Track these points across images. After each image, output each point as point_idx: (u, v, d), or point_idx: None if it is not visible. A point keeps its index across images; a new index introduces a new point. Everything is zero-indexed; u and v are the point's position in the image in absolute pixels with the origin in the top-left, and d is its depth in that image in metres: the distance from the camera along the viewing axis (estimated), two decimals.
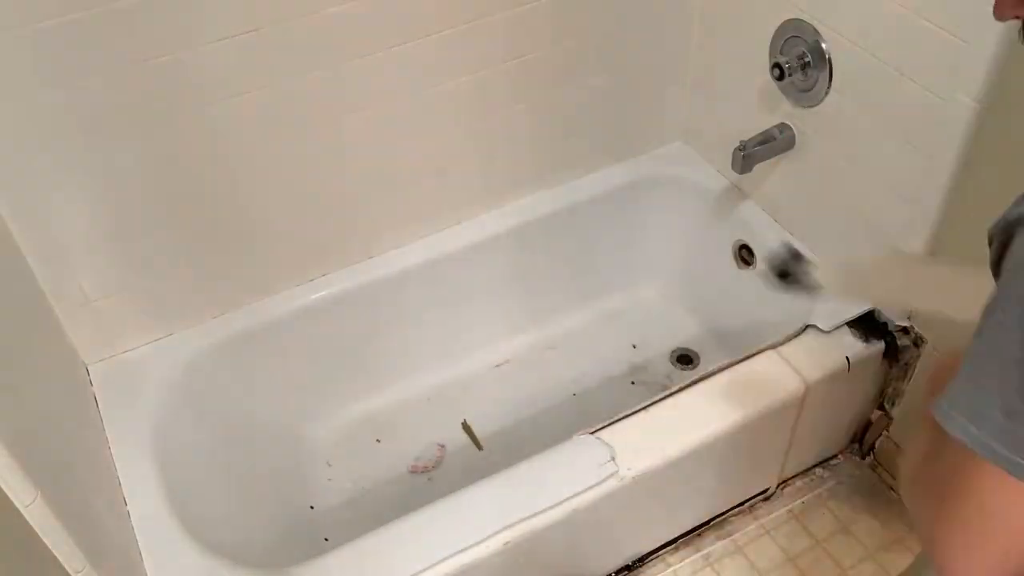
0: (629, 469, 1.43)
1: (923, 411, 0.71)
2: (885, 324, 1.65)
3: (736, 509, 1.78)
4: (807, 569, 1.71)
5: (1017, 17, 0.74)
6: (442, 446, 1.90)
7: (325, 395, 1.91)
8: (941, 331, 1.57)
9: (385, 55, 1.53)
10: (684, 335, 2.07)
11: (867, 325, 1.65)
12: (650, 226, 2.04)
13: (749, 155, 1.67)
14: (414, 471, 1.87)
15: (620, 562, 1.68)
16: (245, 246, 1.65)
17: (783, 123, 1.70)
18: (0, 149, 1.32)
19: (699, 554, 1.73)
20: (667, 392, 1.54)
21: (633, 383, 1.98)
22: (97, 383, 1.60)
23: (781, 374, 1.57)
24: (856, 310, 1.66)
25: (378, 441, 1.92)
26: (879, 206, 1.56)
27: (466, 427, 1.92)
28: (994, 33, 1.23)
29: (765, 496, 1.80)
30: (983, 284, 0.71)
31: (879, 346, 1.63)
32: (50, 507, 0.97)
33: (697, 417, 1.51)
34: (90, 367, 1.63)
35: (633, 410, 1.51)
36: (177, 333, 1.68)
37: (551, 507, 1.38)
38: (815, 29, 1.53)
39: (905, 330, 1.63)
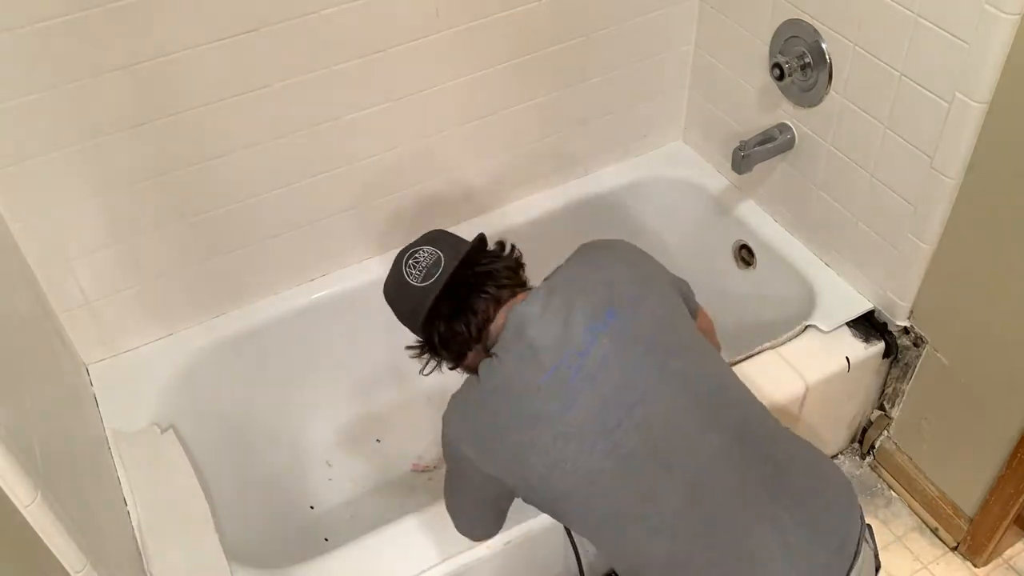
0: None
1: None
2: (885, 324, 1.65)
3: None
4: None
5: None
6: None
7: (325, 395, 1.91)
8: (941, 331, 1.57)
9: (384, 55, 1.53)
10: None
11: (867, 325, 1.65)
12: (650, 226, 2.04)
13: (749, 155, 1.67)
14: (415, 470, 1.87)
15: None
16: (245, 246, 1.65)
17: (783, 123, 1.70)
18: (0, 150, 1.32)
19: None
20: None
21: None
22: (97, 383, 1.60)
23: (781, 374, 1.57)
24: (856, 310, 1.66)
25: (378, 441, 1.92)
26: (879, 206, 1.56)
27: None
28: (995, 33, 1.23)
29: None
30: None
31: (879, 346, 1.63)
32: (50, 507, 0.97)
33: None
34: (90, 367, 1.63)
35: None
36: (177, 333, 1.68)
37: None
38: (815, 29, 1.53)
39: (905, 330, 1.63)
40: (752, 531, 1.10)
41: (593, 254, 1.26)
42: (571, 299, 1.15)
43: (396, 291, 1.24)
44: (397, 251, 1.21)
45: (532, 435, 1.11)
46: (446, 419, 1.19)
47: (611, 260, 1.24)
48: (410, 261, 1.22)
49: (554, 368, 1.11)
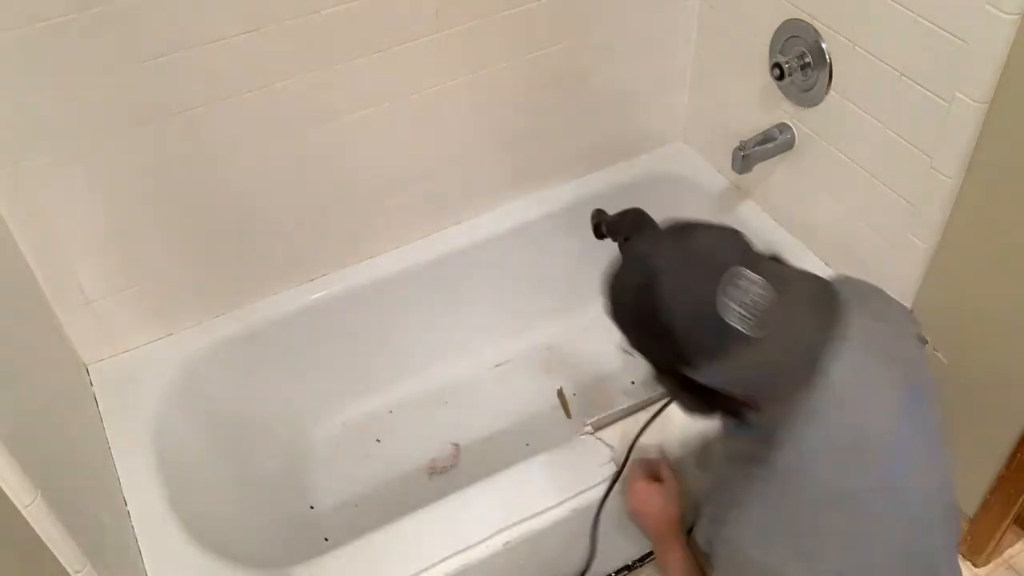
0: None
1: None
2: None
3: None
4: None
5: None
6: (456, 445, 1.89)
7: (325, 395, 1.91)
8: (941, 331, 1.57)
9: (384, 55, 1.53)
10: None
11: None
12: None
13: (749, 155, 1.67)
14: (432, 472, 1.86)
15: (620, 562, 1.68)
16: (245, 246, 1.65)
17: (783, 123, 1.70)
18: (0, 149, 1.32)
19: None
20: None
21: (633, 383, 1.98)
22: (97, 383, 1.60)
23: None
24: None
25: (378, 441, 1.92)
26: (879, 207, 1.56)
27: (561, 395, 1.96)
28: (995, 33, 1.23)
29: None
30: None
31: None
32: (50, 507, 0.97)
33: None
34: (90, 367, 1.63)
35: (633, 410, 1.51)
36: (177, 333, 1.68)
37: (551, 507, 1.38)
38: (815, 29, 1.53)
39: None
40: None
41: (880, 305, 0.98)
42: (881, 365, 0.90)
43: (691, 314, 0.85)
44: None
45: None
46: (744, 539, 0.95)
47: (903, 319, 0.99)
48: (738, 282, 0.83)
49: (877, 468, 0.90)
